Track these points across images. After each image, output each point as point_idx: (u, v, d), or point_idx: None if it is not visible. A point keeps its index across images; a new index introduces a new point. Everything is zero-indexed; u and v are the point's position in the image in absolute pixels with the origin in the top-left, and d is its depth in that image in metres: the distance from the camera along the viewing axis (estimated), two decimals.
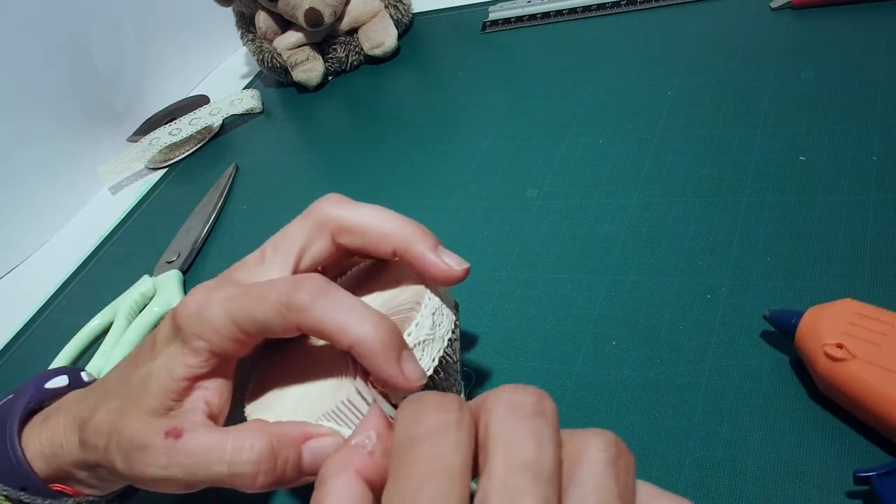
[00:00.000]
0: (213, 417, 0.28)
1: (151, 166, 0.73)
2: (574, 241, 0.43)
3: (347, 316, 0.25)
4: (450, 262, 0.29)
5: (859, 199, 0.38)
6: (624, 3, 0.62)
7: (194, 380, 0.27)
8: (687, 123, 0.48)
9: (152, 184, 0.70)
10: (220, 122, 0.74)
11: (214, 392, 0.28)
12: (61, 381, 0.33)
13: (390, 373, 0.25)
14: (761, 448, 0.30)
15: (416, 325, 0.27)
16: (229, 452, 0.25)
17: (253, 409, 0.29)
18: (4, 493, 0.29)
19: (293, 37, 0.70)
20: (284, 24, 0.71)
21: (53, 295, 0.61)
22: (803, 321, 0.30)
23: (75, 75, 0.72)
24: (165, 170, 0.72)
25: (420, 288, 0.29)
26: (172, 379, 0.27)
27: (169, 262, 0.56)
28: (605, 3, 0.63)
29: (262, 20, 0.72)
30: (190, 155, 0.72)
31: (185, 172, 0.70)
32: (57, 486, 0.30)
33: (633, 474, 0.20)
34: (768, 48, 0.51)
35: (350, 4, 0.70)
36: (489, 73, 0.63)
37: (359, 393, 0.26)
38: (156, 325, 0.33)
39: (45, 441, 0.30)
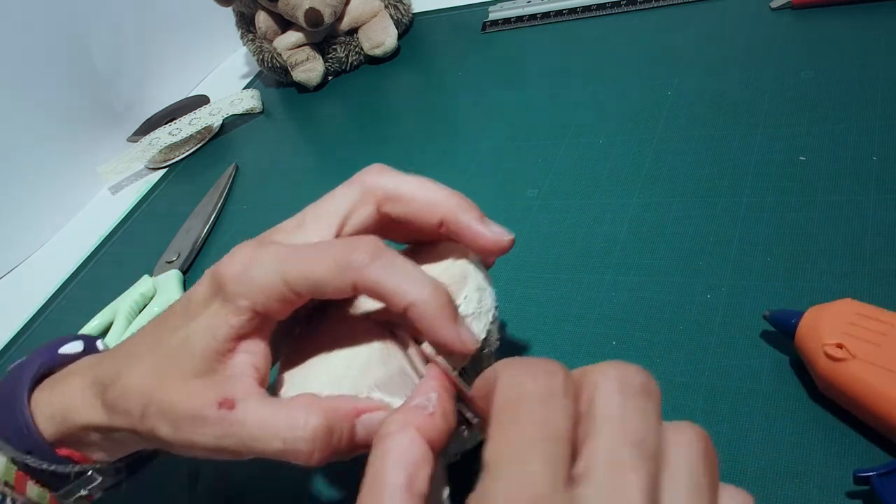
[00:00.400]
0: (261, 384, 0.27)
1: (151, 166, 0.73)
2: (574, 241, 0.43)
3: (405, 277, 0.25)
4: (497, 232, 0.29)
5: (859, 199, 0.38)
6: (624, 3, 0.62)
7: (237, 341, 0.27)
8: (687, 123, 0.48)
9: (152, 184, 0.70)
10: (220, 122, 0.74)
11: (260, 357, 0.27)
12: (76, 346, 0.32)
13: (448, 335, 0.25)
14: (761, 448, 0.30)
15: (465, 299, 0.27)
16: (283, 429, 0.25)
17: (291, 376, 0.29)
18: (11, 455, 0.29)
19: (293, 37, 0.70)
20: (284, 24, 0.71)
21: (53, 295, 0.61)
22: (803, 321, 0.30)
23: (75, 75, 0.72)
24: (165, 170, 0.72)
25: (465, 263, 0.29)
26: (216, 340, 0.26)
27: (169, 262, 0.56)
28: (605, 3, 0.63)
29: (262, 20, 0.72)
30: (190, 155, 0.72)
31: (185, 172, 0.70)
32: (64, 452, 0.29)
33: (718, 473, 0.20)
34: (768, 48, 0.51)
35: (350, 4, 0.70)
36: (489, 73, 0.63)
37: (410, 363, 0.26)
38: None
39: (56, 402, 0.29)
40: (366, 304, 0.30)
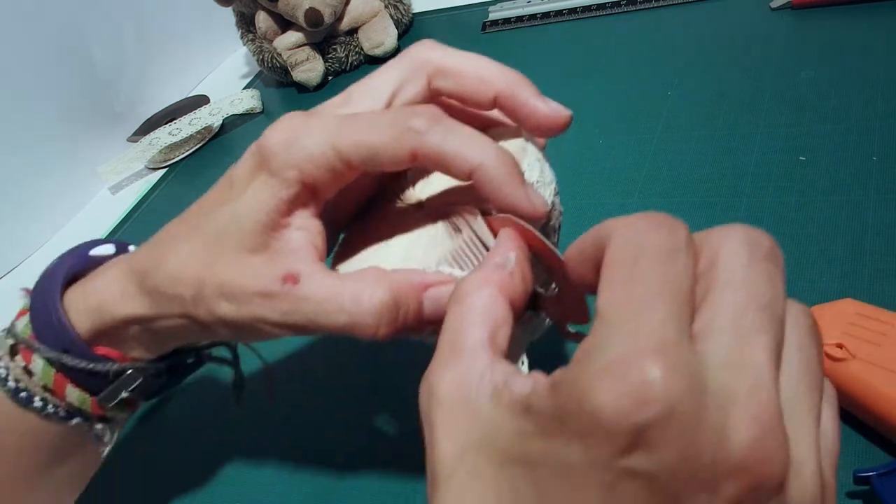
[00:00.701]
0: (321, 261, 0.26)
1: (151, 166, 0.73)
2: (573, 241, 0.43)
3: (468, 141, 0.24)
4: (556, 107, 0.27)
5: (859, 199, 0.38)
6: (624, 3, 0.62)
7: (287, 215, 0.25)
8: (687, 123, 0.48)
9: (152, 184, 0.70)
10: (220, 122, 0.74)
11: (316, 234, 0.26)
12: (107, 248, 0.31)
13: (518, 196, 0.24)
14: None
15: (528, 166, 0.26)
16: (348, 303, 0.24)
17: (349, 265, 0.28)
18: (46, 356, 0.28)
19: (293, 37, 0.70)
20: (284, 24, 0.71)
21: None
22: None
23: (75, 75, 0.72)
24: (165, 170, 0.72)
25: (520, 140, 0.28)
26: (265, 214, 0.25)
27: None
28: (605, 3, 0.63)
29: (262, 20, 0.72)
30: (190, 155, 0.72)
31: (185, 172, 0.70)
32: (101, 350, 0.28)
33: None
34: (768, 48, 0.51)
35: (350, 4, 0.70)
36: None
37: (477, 235, 0.25)
38: None
39: (91, 297, 0.28)
40: (418, 193, 0.29)
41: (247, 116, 0.74)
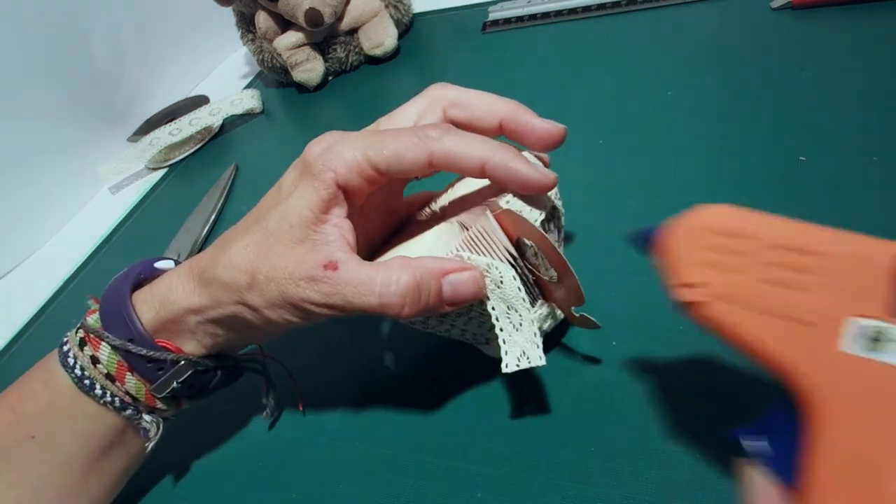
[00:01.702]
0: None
1: (151, 166, 0.73)
2: (574, 242, 0.43)
3: (474, 142, 0.30)
4: (552, 122, 0.32)
5: (859, 199, 0.38)
6: (624, 3, 0.62)
7: (326, 211, 0.30)
8: (687, 123, 0.48)
9: (152, 184, 0.70)
10: (220, 122, 0.74)
11: (348, 231, 0.30)
12: (168, 263, 0.36)
13: (527, 173, 0.29)
14: None
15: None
16: (379, 286, 0.28)
17: (381, 259, 0.32)
18: (113, 343, 0.32)
19: (293, 37, 0.70)
20: (284, 24, 0.71)
21: (53, 295, 0.61)
22: (660, 243, 0.24)
23: (75, 75, 0.72)
24: (165, 170, 0.72)
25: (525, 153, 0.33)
26: (309, 210, 0.29)
27: None
28: (605, 3, 0.63)
29: (262, 20, 0.72)
30: (190, 155, 0.72)
31: (185, 172, 0.70)
32: (161, 341, 0.32)
33: None
34: (768, 48, 0.51)
35: (350, 4, 0.70)
36: (489, 73, 0.63)
37: (484, 227, 0.30)
38: None
39: (157, 293, 0.33)
40: (436, 208, 0.36)
41: (247, 116, 0.74)
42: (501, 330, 0.30)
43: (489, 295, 0.30)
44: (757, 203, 0.40)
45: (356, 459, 0.36)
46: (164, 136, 0.71)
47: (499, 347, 0.31)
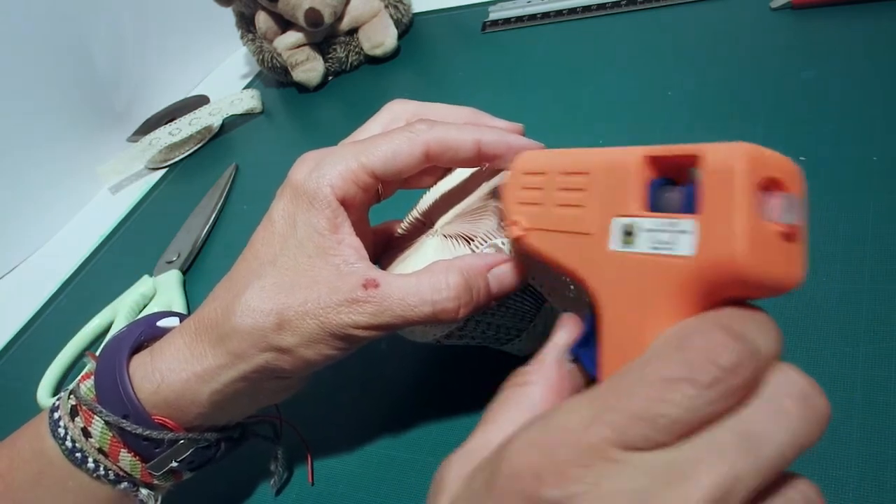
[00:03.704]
0: None
1: (151, 166, 0.73)
2: None
3: (463, 129, 0.29)
4: (510, 123, 0.32)
5: (859, 199, 0.38)
6: (624, 3, 0.62)
7: (336, 231, 0.29)
8: (687, 123, 0.48)
9: (152, 184, 0.70)
10: (220, 122, 0.74)
11: (362, 247, 0.29)
12: (173, 321, 0.33)
13: (519, 142, 0.29)
14: None
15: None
16: (429, 293, 0.27)
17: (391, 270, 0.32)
18: (106, 419, 0.29)
19: (293, 37, 0.70)
20: (284, 24, 0.71)
21: (53, 295, 0.61)
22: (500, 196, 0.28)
23: (75, 75, 0.72)
24: (165, 170, 0.72)
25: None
26: (320, 234, 0.28)
27: (169, 262, 0.56)
28: (605, 3, 0.63)
29: (262, 20, 0.72)
30: (190, 155, 0.72)
31: (185, 172, 0.70)
32: (160, 418, 0.30)
33: None
34: (768, 48, 0.51)
35: (350, 4, 0.70)
36: (489, 73, 0.63)
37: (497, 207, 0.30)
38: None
39: (158, 364, 0.30)
40: (419, 213, 0.35)
41: (247, 116, 0.74)
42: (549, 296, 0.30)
43: (532, 273, 0.30)
44: None
45: None
46: (164, 136, 0.71)
47: (526, 339, 0.32)
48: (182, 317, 0.34)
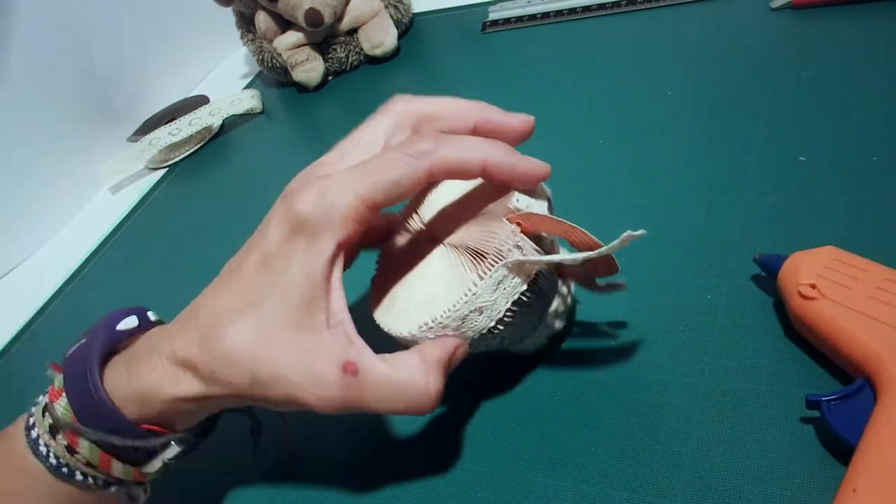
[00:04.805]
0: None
1: (151, 166, 0.73)
2: None
3: (470, 144, 0.28)
4: (522, 116, 0.31)
5: (859, 199, 0.38)
6: (624, 3, 0.62)
7: (329, 275, 0.27)
8: (687, 123, 0.48)
9: (152, 184, 0.70)
10: (220, 122, 0.74)
11: (343, 297, 0.28)
12: (131, 321, 0.31)
13: (526, 165, 0.29)
14: (760, 448, 0.30)
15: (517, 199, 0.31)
16: (407, 393, 0.27)
17: (386, 316, 0.31)
18: (94, 438, 0.28)
19: (293, 37, 0.70)
20: (284, 24, 0.71)
21: (53, 295, 0.61)
22: (786, 263, 0.33)
23: (75, 75, 0.72)
24: (165, 170, 0.72)
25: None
26: (314, 285, 0.27)
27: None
28: (605, 3, 0.63)
29: (262, 20, 0.72)
30: (190, 155, 0.72)
31: (185, 172, 0.70)
32: (146, 426, 0.29)
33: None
34: (768, 48, 0.51)
35: (350, 4, 0.70)
36: (489, 73, 0.63)
37: (517, 245, 0.29)
38: None
39: (137, 384, 0.29)
40: (421, 222, 0.34)
41: (247, 116, 0.74)
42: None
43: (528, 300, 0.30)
44: (757, 203, 0.40)
45: (350, 463, 0.36)
46: (164, 136, 0.71)
47: (538, 336, 0.33)
48: (137, 312, 0.32)
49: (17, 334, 0.58)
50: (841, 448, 0.28)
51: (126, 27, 0.77)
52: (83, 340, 0.30)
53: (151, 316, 0.33)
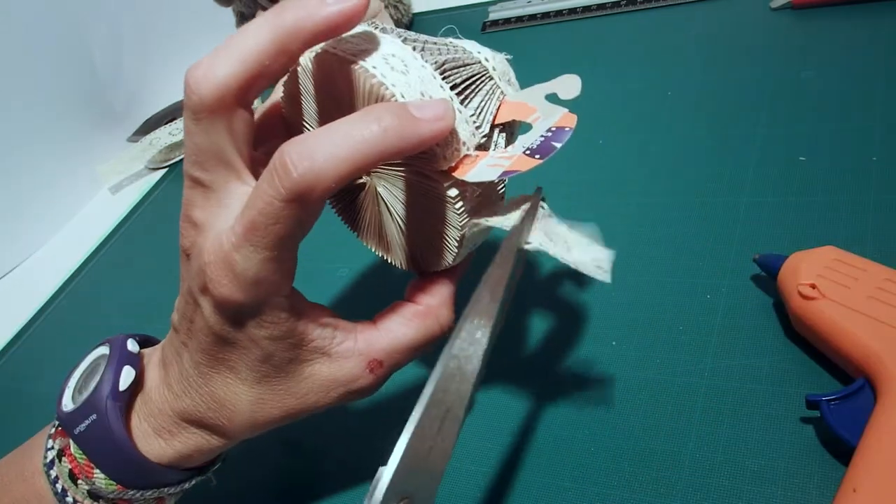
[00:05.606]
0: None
1: (151, 166, 0.73)
2: None
3: (333, 140, 0.24)
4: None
5: (859, 199, 0.38)
6: (624, 3, 0.62)
7: (295, 323, 0.26)
8: (687, 123, 0.48)
9: (152, 184, 0.70)
10: None
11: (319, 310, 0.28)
12: (129, 376, 0.29)
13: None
14: (760, 448, 0.30)
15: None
16: (434, 336, 0.29)
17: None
18: (147, 496, 0.29)
19: None
20: None
21: (54, 295, 0.61)
22: (786, 263, 0.33)
23: (75, 75, 0.72)
24: (165, 170, 0.72)
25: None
26: (291, 348, 0.26)
27: None
28: (605, 3, 0.63)
29: None
30: None
31: None
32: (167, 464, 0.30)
33: None
34: (768, 48, 0.51)
35: None
36: None
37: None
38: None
39: (176, 447, 0.29)
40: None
41: None
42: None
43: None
44: (758, 203, 0.40)
45: (338, 470, 0.36)
46: (164, 136, 0.71)
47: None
48: (128, 360, 0.30)
49: (18, 334, 0.58)
50: (841, 448, 0.28)
51: (126, 27, 0.77)
52: (94, 417, 0.28)
53: (130, 346, 0.30)
